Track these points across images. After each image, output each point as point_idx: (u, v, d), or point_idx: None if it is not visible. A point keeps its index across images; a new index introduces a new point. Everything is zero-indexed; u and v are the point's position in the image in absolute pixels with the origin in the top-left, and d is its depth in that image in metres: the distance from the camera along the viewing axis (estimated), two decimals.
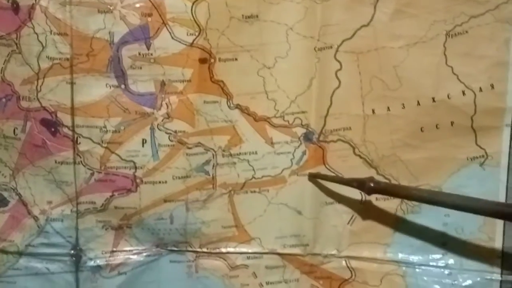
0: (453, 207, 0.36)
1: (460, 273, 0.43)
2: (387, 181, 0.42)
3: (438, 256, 0.43)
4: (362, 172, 0.42)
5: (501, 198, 0.41)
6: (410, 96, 0.41)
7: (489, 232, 0.42)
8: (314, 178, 0.43)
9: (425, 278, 0.43)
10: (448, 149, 0.42)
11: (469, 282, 0.43)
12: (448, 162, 0.42)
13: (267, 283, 0.44)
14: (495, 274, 0.42)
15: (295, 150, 0.43)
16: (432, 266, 0.43)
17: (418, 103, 0.41)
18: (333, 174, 0.43)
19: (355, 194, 0.43)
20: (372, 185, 0.40)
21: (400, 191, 0.41)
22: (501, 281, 0.42)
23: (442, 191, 0.42)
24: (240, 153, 0.43)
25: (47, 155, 0.42)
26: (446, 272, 0.43)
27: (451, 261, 0.43)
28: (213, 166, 0.43)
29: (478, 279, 0.43)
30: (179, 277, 0.45)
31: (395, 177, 0.42)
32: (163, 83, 0.41)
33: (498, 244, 0.42)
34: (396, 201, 0.43)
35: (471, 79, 0.41)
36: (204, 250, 0.44)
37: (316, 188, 0.43)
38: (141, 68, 0.41)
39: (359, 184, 0.41)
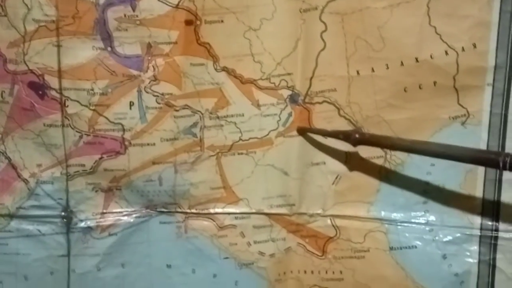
0: (434, 155, 0.37)
1: (441, 229, 0.44)
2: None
3: (419, 213, 0.44)
4: None
5: None
6: (393, 57, 0.41)
7: (470, 189, 0.43)
8: (302, 131, 0.43)
9: (406, 235, 0.44)
10: (431, 109, 0.42)
11: (449, 237, 0.44)
12: (431, 121, 0.43)
13: (255, 242, 0.45)
14: (474, 229, 0.44)
15: (281, 112, 0.43)
16: (414, 223, 0.44)
17: (402, 64, 0.41)
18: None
19: (340, 155, 0.44)
20: (357, 136, 0.41)
21: (384, 141, 0.41)
22: (480, 236, 0.43)
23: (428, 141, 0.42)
24: (227, 115, 0.43)
25: (36, 118, 0.42)
26: (427, 228, 0.44)
27: (432, 218, 0.44)
28: (201, 128, 0.43)
29: (458, 234, 0.44)
30: (169, 237, 0.45)
31: None
32: (149, 45, 0.41)
33: (478, 201, 0.43)
34: (379, 160, 0.44)
35: (453, 39, 0.41)
36: (193, 211, 0.45)
37: (302, 149, 0.44)
38: (127, 30, 0.41)
39: (345, 136, 0.42)
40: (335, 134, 0.43)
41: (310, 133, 0.44)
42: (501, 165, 0.33)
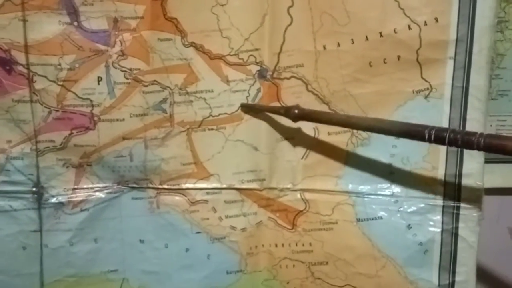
0: (367, 128, 0.38)
1: (405, 200, 0.44)
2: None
3: (385, 185, 0.45)
4: (315, 107, 0.43)
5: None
6: (358, 32, 0.42)
7: (433, 162, 0.44)
8: (246, 108, 0.44)
9: (373, 206, 0.45)
10: (395, 83, 0.43)
11: (413, 208, 0.44)
12: (395, 95, 0.43)
13: (226, 216, 0.45)
14: (437, 200, 0.44)
15: (250, 88, 0.43)
16: (380, 195, 0.45)
17: (366, 38, 0.41)
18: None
19: (309, 130, 0.44)
20: (296, 111, 0.41)
21: (321, 117, 0.41)
22: (443, 206, 0.43)
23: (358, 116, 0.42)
24: (196, 91, 0.43)
25: (4, 94, 0.41)
26: (393, 200, 0.45)
27: (397, 190, 0.45)
28: (170, 104, 0.43)
29: (422, 205, 0.44)
30: (141, 213, 0.45)
31: (346, 111, 0.43)
32: (115, 20, 0.41)
33: (440, 172, 0.43)
34: (347, 135, 0.44)
35: (416, 12, 0.41)
36: (165, 186, 0.45)
37: (271, 124, 0.44)
38: (92, 4, 0.40)
39: (286, 111, 0.42)
40: (276, 110, 0.43)
41: (253, 110, 0.44)
42: (426, 137, 0.33)
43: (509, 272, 0.53)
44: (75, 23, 0.40)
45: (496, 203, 0.52)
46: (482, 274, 0.50)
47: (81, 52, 0.41)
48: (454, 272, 0.44)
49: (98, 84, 0.41)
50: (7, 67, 0.40)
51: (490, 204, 0.51)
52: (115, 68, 0.41)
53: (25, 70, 0.41)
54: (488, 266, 0.52)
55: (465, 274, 0.44)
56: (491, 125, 0.49)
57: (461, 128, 0.41)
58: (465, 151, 0.42)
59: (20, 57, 0.40)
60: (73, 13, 0.40)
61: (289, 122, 0.43)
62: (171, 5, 0.40)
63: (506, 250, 0.53)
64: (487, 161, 0.44)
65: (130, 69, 0.41)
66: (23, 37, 0.40)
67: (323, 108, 0.43)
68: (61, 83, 0.41)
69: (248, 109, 0.43)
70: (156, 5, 0.40)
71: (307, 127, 0.44)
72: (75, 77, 0.41)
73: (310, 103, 0.43)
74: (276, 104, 0.43)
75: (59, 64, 0.41)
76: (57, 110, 0.42)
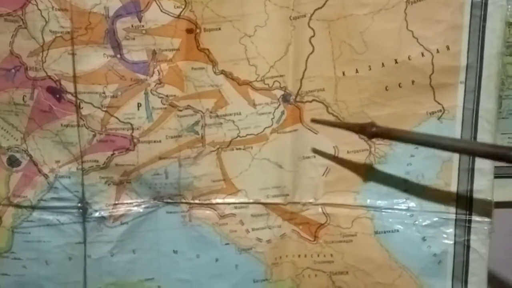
0: (447, 148, 0.38)
1: (420, 214, 0.47)
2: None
3: (401, 200, 0.47)
4: (335, 128, 0.46)
5: None
6: (375, 59, 0.45)
7: (446, 178, 0.46)
8: (316, 123, 0.46)
9: (390, 220, 0.47)
10: (410, 106, 0.45)
11: (428, 221, 0.47)
12: (410, 117, 0.46)
13: (253, 229, 0.49)
14: (450, 214, 0.47)
15: (275, 111, 0.47)
16: (396, 209, 0.47)
17: (383, 65, 0.45)
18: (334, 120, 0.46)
19: (329, 149, 0.47)
20: (374, 129, 0.42)
21: (400, 135, 0.42)
22: (455, 220, 0.46)
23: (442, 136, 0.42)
24: (226, 114, 0.46)
25: (54, 119, 0.45)
26: (408, 214, 0.47)
27: (412, 204, 0.47)
28: (202, 126, 0.47)
29: (436, 219, 0.47)
30: (175, 226, 0.49)
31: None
32: (154, 52, 0.44)
33: (453, 188, 0.46)
34: (365, 153, 0.47)
35: (429, 41, 0.44)
36: (196, 201, 0.48)
37: (295, 144, 0.47)
38: (134, 39, 0.44)
39: (361, 129, 0.43)
40: (350, 127, 0.44)
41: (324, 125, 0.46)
42: None
43: None
44: (118, 56, 0.44)
45: (509, 216, 0.54)
46: (495, 284, 0.52)
47: (123, 81, 0.45)
48: (466, 282, 0.47)
49: (138, 109, 0.45)
50: (57, 96, 0.45)
51: (503, 217, 0.52)
52: (153, 95, 0.45)
53: (73, 98, 0.45)
54: (501, 276, 0.54)
55: (477, 283, 0.46)
56: (502, 142, 0.51)
57: None
58: (476, 167, 0.45)
59: (69, 86, 0.44)
60: (117, 47, 0.44)
61: (311, 141, 0.47)
62: (203, 38, 0.44)
63: None
64: (499, 176, 0.47)
65: (167, 96, 0.45)
66: (72, 68, 0.44)
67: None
68: (105, 109, 0.45)
69: (318, 123, 0.46)
70: (190, 38, 0.44)
71: (328, 146, 0.47)
72: (117, 104, 0.45)
73: None
74: (299, 125, 0.46)
75: (104, 92, 0.45)
76: (101, 133, 0.46)
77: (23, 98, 0.45)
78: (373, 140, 0.45)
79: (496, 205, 0.47)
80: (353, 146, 0.46)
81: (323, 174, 0.48)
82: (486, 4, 0.43)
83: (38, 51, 0.44)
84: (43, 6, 0.43)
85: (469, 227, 0.46)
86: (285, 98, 0.47)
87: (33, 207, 0.47)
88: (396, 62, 0.44)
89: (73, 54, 0.44)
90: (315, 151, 0.47)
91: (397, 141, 0.43)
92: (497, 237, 0.49)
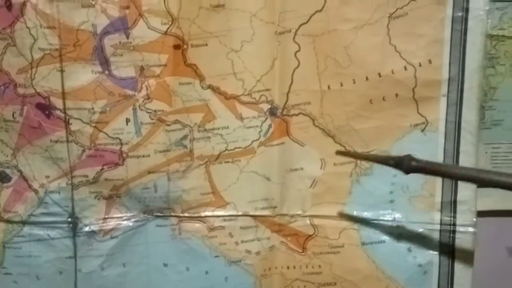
0: (497, 185, 0.35)
1: (405, 225, 0.48)
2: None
3: (387, 211, 0.48)
4: (321, 141, 0.47)
5: (439, 159, 0.46)
6: (359, 73, 0.46)
7: (430, 190, 0.47)
8: (343, 155, 0.45)
9: (376, 231, 0.48)
10: (394, 118, 0.46)
11: (413, 232, 0.48)
12: (394, 129, 0.47)
13: (242, 241, 0.49)
14: (435, 225, 0.47)
15: (262, 124, 0.47)
16: (382, 220, 0.48)
17: (367, 78, 0.45)
18: (363, 153, 0.46)
19: (316, 161, 0.48)
20: (413, 164, 0.38)
21: (443, 170, 0.39)
22: (440, 230, 0.47)
23: (480, 168, 0.43)
24: (213, 128, 0.47)
25: (43, 135, 0.46)
26: (394, 225, 0.48)
27: (398, 216, 0.48)
28: (190, 140, 0.47)
29: (421, 229, 0.48)
30: (165, 239, 0.49)
31: (349, 144, 0.47)
32: (142, 68, 0.45)
33: (437, 199, 0.47)
34: (351, 165, 0.47)
35: (411, 55, 0.45)
36: (186, 214, 0.49)
37: (282, 156, 0.48)
38: (122, 55, 0.45)
39: (397, 163, 0.40)
40: (383, 161, 0.41)
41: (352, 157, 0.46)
42: None
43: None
44: (106, 72, 0.45)
45: (495, 224, 0.54)
46: None
47: (111, 97, 0.45)
48: None
49: (127, 124, 0.46)
50: (47, 112, 0.45)
51: (489, 225, 0.53)
52: (142, 110, 0.46)
53: (62, 114, 0.45)
54: (487, 282, 0.55)
55: None
56: (486, 152, 0.52)
57: (454, 159, 0.45)
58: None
59: (58, 102, 0.45)
60: (105, 63, 0.45)
61: (298, 154, 0.47)
62: (190, 54, 0.45)
63: (504, 267, 0.56)
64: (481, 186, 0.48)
65: (155, 111, 0.46)
66: (60, 85, 0.45)
67: (328, 141, 0.47)
68: (94, 124, 0.46)
69: (346, 155, 0.46)
70: (178, 54, 0.45)
71: (315, 158, 0.47)
72: (106, 119, 0.46)
73: (316, 137, 0.47)
74: (286, 138, 0.47)
75: (92, 108, 0.45)
76: (90, 149, 0.46)
77: (13, 115, 0.46)
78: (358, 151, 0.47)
79: (481, 214, 0.49)
80: (339, 159, 0.47)
81: (311, 186, 0.48)
82: (466, 19, 0.44)
83: (27, 68, 0.44)
84: (31, 24, 0.43)
85: (454, 237, 0.47)
86: (272, 112, 0.47)
87: (24, 222, 0.48)
88: (380, 76, 0.45)
89: (61, 71, 0.44)
90: (302, 163, 0.47)
91: (437, 176, 0.41)
92: (481, 245, 0.50)
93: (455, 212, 0.46)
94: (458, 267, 0.47)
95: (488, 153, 0.51)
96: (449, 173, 0.39)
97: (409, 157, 0.40)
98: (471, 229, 0.46)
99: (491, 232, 0.54)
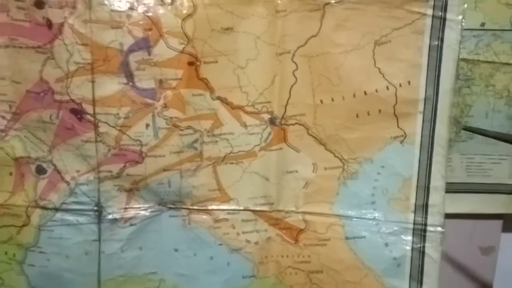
0: None
1: (384, 224, 0.54)
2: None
3: (368, 211, 0.54)
4: (314, 147, 0.53)
5: (415, 168, 0.51)
6: (348, 90, 0.51)
7: (406, 193, 0.53)
8: (469, 131, 0.51)
9: (358, 227, 0.54)
10: (377, 131, 0.52)
11: (390, 230, 0.54)
12: (377, 140, 0.52)
13: (243, 232, 0.55)
14: (409, 224, 0.53)
15: (263, 131, 0.53)
16: (364, 218, 0.54)
17: (354, 95, 0.51)
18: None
19: (309, 165, 0.53)
20: None
21: None
22: (413, 229, 0.53)
23: None
24: (221, 133, 0.53)
25: (75, 136, 0.52)
26: (374, 223, 0.54)
27: (377, 215, 0.54)
28: (200, 143, 0.53)
29: (397, 228, 0.53)
30: (176, 227, 0.55)
31: (338, 152, 0.53)
32: (161, 81, 0.51)
33: (412, 202, 0.53)
34: (339, 170, 0.53)
35: (393, 77, 0.50)
36: (195, 207, 0.55)
37: (279, 160, 0.53)
38: (144, 69, 0.51)
39: None
40: (504, 138, 0.47)
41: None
42: None
43: (476, 285, 0.62)
44: (131, 83, 0.51)
45: (469, 225, 0.60)
46: (446, 283, 0.58)
47: (134, 105, 0.52)
48: (421, 282, 0.53)
49: (146, 128, 0.52)
50: (79, 116, 0.52)
51: (464, 227, 0.60)
52: (159, 117, 0.52)
53: (92, 118, 0.52)
54: (462, 279, 0.61)
55: (430, 283, 0.53)
56: (462, 162, 0.58)
57: (427, 168, 0.51)
58: (431, 186, 0.51)
59: (88, 108, 0.51)
60: (129, 76, 0.51)
61: (293, 158, 0.53)
62: (202, 69, 0.51)
63: (478, 265, 0.62)
64: (457, 191, 0.54)
65: (171, 117, 0.52)
66: (91, 93, 0.51)
67: (320, 148, 0.53)
68: (118, 128, 0.52)
69: (474, 131, 0.51)
70: (191, 70, 0.51)
71: (308, 163, 0.53)
72: (129, 124, 0.52)
73: (310, 144, 0.53)
74: (283, 144, 0.53)
75: (118, 114, 0.51)
76: (115, 148, 0.53)
77: (50, 117, 0.52)
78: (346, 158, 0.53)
79: (457, 216, 0.54)
80: (329, 164, 0.53)
81: (303, 187, 0.54)
82: (441, 47, 0.49)
83: (63, 78, 0.51)
84: (68, 41, 0.50)
85: (424, 236, 0.53)
86: (272, 121, 0.53)
87: (57, 209, 0.54)
88: (365, 94, 0.51)
89: (92, 82, 0.51)
90: (297, 167, 0.53)
91: None
92: (457, 245, 0.56)
93: (426, 213, 0.52)
94: (428, 261, 0.53)
95: (463, 163, 0.57)
96: None
97: None
98: (439, 229, 0.52)
99: (466, 233, 0.60)
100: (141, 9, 0.49)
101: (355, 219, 0.54)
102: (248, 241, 0.55)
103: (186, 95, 0.52)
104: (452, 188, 0.56)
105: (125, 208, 0.54)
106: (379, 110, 0.51)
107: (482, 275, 0.61)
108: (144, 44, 0.50)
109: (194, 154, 0.53)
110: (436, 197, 0.52)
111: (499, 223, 0.61)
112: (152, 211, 0.55)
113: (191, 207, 0.55)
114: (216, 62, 0.51)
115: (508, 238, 0.62)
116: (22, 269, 0.55)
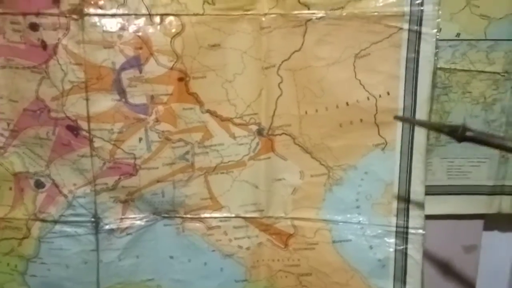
0: None
1: (368, 227, 0.56)
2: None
3: (353, 215, 0.56)
4: (301, 156, 0.55)
5: (396, 174, 0.54)
6: (331, 101, 0.53)
7: (388, 198, 0.55)
8: (401, 121, 0.51)
9: (345, 231, 0.56)
10: (360, 139, 0.54)
11: (374, 233, 0.56)
12: (360, 147, 0.54)
13: (235, 238, 0.58)
14: (392, 227, 0.55)
15: (251, 142, 0.55)
16: (349, 222, 0.56)
17: (337, 106, 0.53)
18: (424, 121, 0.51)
19: (296, 173, 0.56)
20: (467, 134, 0.38)
21: (490, 141, 0.38)
22: (396, 232, 0.55)
23: None
24: (211, 145, 0.55)
25: (71, 151, 0.54)
26: (359, 226, 0.56)
27: (362, 219, 0.56)
28: (192, 155, 0.55)
29: (380, 231, 0.56)
30: (171, 235, 0.58)
31: (324, 159, 0.55)
32: (152, 97, 0.53)
33: (394, 206, 0.55)
34: (325, 177, 0.55)
35: (373, 88, 0.53)
36: (188, 216, 0.57)
37: (268, 169, 0.56)
38: (136, 86, 0.53)
39: (451, 131, 0.40)
40: (438, 128, 0.44)
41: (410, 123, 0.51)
42: None
43: (460, 282, 0.64)
44: (123, 100, 0.53)
45: (451, 225, 0.62)
46: (429, 283, 0.60)
47: (127, 120, 0.53)
48: (405, 282, 0.56)
49: (139, 142, 0.54)
50: (74, 132, 0.54)
51: (447, 227, 0.62)
52: (152, 130, 0.54)
53: (87, 134, 0.54)
54: (446, 276, 0.63)
55: (413, 283, 0.56)
56: (442, 165, 0.60)
57: (407, 174, 0.53)
58: (412, 190, 0.54)
59: (83, 125, 0.53)
60: (122, 93, 0.53)
61: (281, 167, 0.55)
62: (192, 84, 0.53)
63: (461, 263, 0.64)
64: (439, 194, 0.56)
65: (163, 131, 0.54)
66: (86, 110, 0.53)
67: (306, 156, 0.55)
68: (113, 142, 0.54)
69: (404, 121, 0.51)
70: (181, 85, 0.53)
71: (295, 171, 0.56)
72: (122, 138, 0.54)
73: (297, 153, 0.55)
74: (271, 153, 0.55)
75: (112, 129, 0.53)
76: (109, 162, 0.55)
77: (47, 134, 0.54)
78: (331, 165, 0.55)
79: (440, 217, 0.57)
80: (315, 171, 0.55)
81: (291, 193, 0.56)
82: (418, 60, 0.51)
83: (58, 97, 0.53)
84: (62, 61, 0.52)
85: (407, 238, 0.55)
86: (260, 132, 0.55)
87: (55, 221, 0.56)
88: (348, 104, 0.53)
89: (87, 99, 0.53)
90: (285, 174, 0.55)
91: (488, 146, 0.39)
92: (441, 244, 0.58)
93: (408, 217, 0.55)
94: (410, 261, 0.55)
95: (444, 166, 0.60)
96: (499, 144, 0.38)
97: (464, 126, 0.39)
98: (420, 231, 0.55)
99: (449, 233, 0.63)
100: (131, 29, 0.51)
101: (341, 223, 0.56)
102: (240, 247, 0.57)
103: (177, 109, 0.54)
104: (434, 191, 0.59)
105: (121, 219, 0.56)
106: (361, 120, 0.54)
107: (466, 272, 0.64)
108: (136, 62, 0.52)
109: (186, 165, 0.55)
110: (417, 201, 0.54)
111: (480, 222, 0.63)
112: (147, 221, 0.57)
113: (184, 216, 0.57)
114: (205, 77, 0.53)
115: (489, 236, 0.65)
116: (24, 279, 0.58)
